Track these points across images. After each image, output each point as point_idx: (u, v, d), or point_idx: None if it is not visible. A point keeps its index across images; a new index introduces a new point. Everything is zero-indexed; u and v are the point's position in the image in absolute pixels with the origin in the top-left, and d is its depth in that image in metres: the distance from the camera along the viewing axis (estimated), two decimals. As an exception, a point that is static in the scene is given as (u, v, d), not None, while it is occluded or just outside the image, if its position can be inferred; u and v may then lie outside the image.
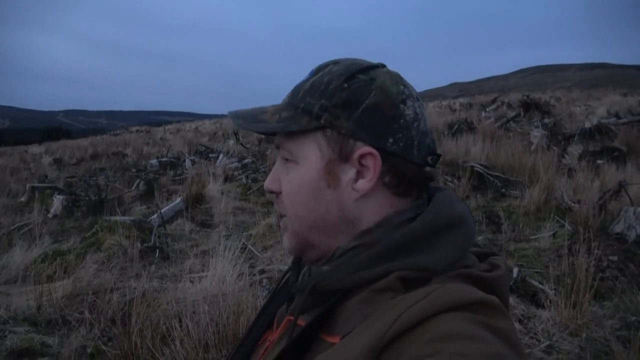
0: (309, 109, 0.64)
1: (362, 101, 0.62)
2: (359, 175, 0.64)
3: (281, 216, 0.71)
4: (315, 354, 0.58)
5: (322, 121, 0.63)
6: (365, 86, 0.63)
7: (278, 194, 0.70)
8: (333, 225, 0.65)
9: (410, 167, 0.64)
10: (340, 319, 0.60)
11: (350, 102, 0.63)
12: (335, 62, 0.68)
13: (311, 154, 0.65)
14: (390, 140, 0.62)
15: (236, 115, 0.70)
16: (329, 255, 0.67)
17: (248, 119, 0.69)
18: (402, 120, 0.63)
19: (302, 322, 0.63)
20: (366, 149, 0.62)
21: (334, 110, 0.63)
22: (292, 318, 0.64)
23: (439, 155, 0.67)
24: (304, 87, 0.67)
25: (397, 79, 0.66)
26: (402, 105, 0.63)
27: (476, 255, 0.66)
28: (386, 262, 0.60)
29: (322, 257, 0.67)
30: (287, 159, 0.68)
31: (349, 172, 0.64)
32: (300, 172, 0.66)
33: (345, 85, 0.63)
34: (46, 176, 10.10)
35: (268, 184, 0.71)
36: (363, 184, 0.63)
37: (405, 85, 0.66)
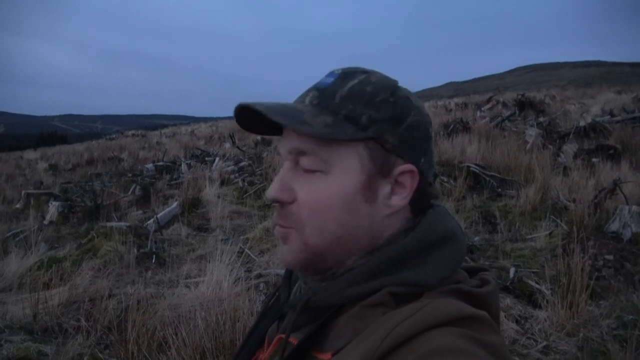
0: (355, 117, 0.62)
1: (406, 118, 0.63)
2: (392, 191, 0.64)
3: (283, 227, 0.65)
4: None
5: (369, 133, 0.62)
6: (406, 103, 0.64)
7: (288, 203, 0.64)
8: (356, 241, 0.63)
9: (427, 185, 0.66)
10: (331, 335, 0.59)
11: (396, 117, 0.63)
12: (365, 71, 0.66)
13: (351, 165, 0.62)
14: (422, 159, 0.65)
15: (271, 110, 0.60)
16: (335, 271, 0.65)
17: (289, 117, 0.60)
18: (430, 141, 0.66)
19: (293, 339, 0.63)
20: (408, 166, 0.63)
21: (382, 123, 0.62)
22: (283, 336, 0.63)
23: (436, 175, 0.70)
24: (340, 92, 0.63)
25: (421, 101, 0.68)
26: (430, 128, 0.67)
27: (466, 270, 0.67)
28: (378, 277, 0.60)
29: (326, 273, 0.65)
30: (309, 169, 0.63)
31: (385, 188, 0.63)
32: (333, 183, 0.62)
33: (392, 99, 0.63)
34: (42, 182, 10.06)
35: (277, 192, 0.64)
36: (398, 201, 0.64)
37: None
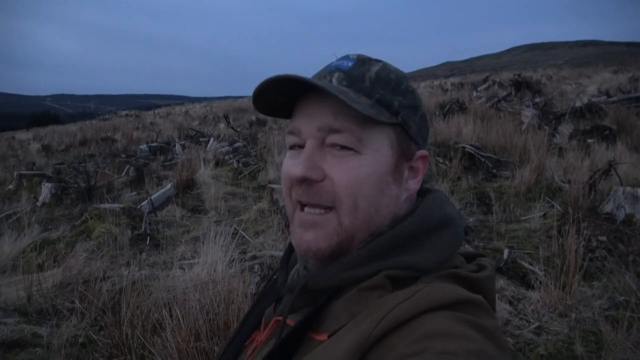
0: (387, 102, 0.65)
1: (420, 107, 0.69)
2: (409, 175, 0.68)
3: (317, 206, 0.64)
4: (303, 353, 0.59)
5: (399, 118, 0.65)
6: (417, 94, 0.70)
7: (317, 182, 0.63)
8: (381, 221, 0.65)
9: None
10: (328, 317, 0.60)
11: (415, 105, 0.68)
12: (378, 60, 0.68)
13: (384, 146, 0.64)
14: (425, 146, 0.71)
15: (330, 85, 0.62)
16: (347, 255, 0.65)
17: (344, 94, 0.60)
18: (429, 130, 0.72)
19: (291, 321, 0.64)
20: (423, 152, 0.69)
21: (407, 110, 0.66)
22: (280, 318, 0.65)
23: None
24: (368, 76, 0.65)
25: None
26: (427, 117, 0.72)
27: (464, 256, 0.68)
28: (376, 260, 0.61)
29: (339, 257, 0.64)
30: (343, 146, 0.62)
31: (406, 171, 0.68)
32: (367, 162, 0.63)
33: (411, 88, 0.68)
34: (34, 163, 9.96)
35: (307, 170, 0.62)
36: (413, 184, 0.68)
37: None
